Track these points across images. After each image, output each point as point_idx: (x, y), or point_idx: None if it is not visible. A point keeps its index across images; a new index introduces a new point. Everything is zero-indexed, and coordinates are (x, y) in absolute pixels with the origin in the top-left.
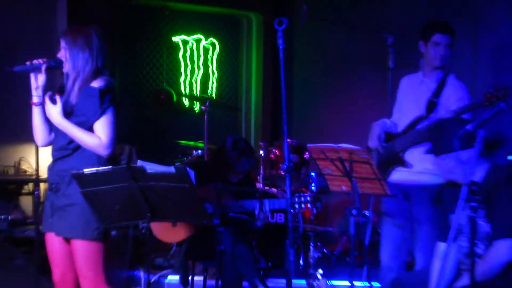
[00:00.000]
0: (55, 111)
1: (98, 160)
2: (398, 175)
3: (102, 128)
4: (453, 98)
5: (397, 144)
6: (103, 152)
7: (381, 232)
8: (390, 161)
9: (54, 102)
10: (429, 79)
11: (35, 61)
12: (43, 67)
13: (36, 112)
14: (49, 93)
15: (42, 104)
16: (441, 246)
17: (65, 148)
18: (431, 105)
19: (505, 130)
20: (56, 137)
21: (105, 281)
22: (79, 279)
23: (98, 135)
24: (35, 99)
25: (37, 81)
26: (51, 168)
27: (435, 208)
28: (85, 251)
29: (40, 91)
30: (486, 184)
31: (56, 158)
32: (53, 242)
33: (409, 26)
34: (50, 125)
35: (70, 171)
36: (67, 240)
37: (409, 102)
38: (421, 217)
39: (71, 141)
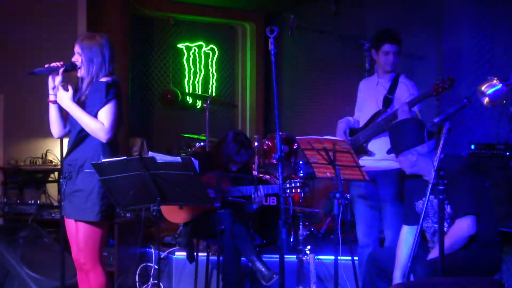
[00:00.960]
0: (65, 96)
1: (103, 150)
2: (364, 163)
3: (105, 115)
4: (406, 94)
5: (361, 136)
6: (104, 136)
7: (355, 213)
8: (356, 152)
9: (66, 89)
10: (383, 80)
11: (52, 64)
12: (61, 70)
13: (52, 109)
14: (62, 83)
15: (57, 102)
16: (405, 228)
17: (75, 140)
18: (387, 101)
19: (469, 123)
20: (70, 132)
21: (99, 259)
22: (78, 253)
23: (101, 121)
24: (51, 98)
25: (54, 81)
26: (64, 159)
27: (397, 189)
28: (86, 232)
29: (56, 91)
30: (445, 171)
31: (69, 151)
32: (69, 225)
33: None
34: (64, 120)
35: (79, 160)
36: (76, 222)
37: (368, 101)
38: (387, 197)
39: (79, 133)
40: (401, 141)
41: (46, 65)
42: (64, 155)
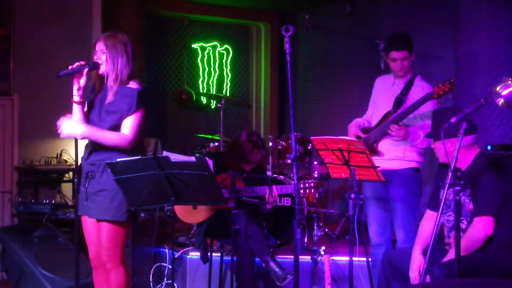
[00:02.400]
0: (76, 126)
1: (125, 150)
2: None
3: (131, 123)
4: (420, 95)
5: (371, 136)
6: (127, 146)
7: (367, 213)
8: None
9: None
10: (399, 81)
11: (76, 64)
12: (85, 70)
13: (76, 110)
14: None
15: (82, 103)
16: (428, 213)
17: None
18: (399, 102)
19: (485, 123)
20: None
21: (121, 259)
22: (101, 251)
23: (124, 131)
24: (76, 98)
25: (79, 82)
26: (85, 159)
27: (407, 189)
28: (111, 231)
29: (81, 91)
30: (472, 167)
31: (91, 151)
32: (88, 224)
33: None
34: (87, 122)
35: (104, 161)
36: (99, 221)
37: (382, 100)
38: (396, 197)
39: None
40: (441, 127)
41: (70, 67)
42: (83, 154)
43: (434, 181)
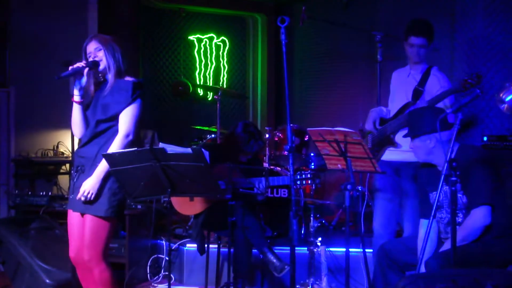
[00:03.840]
0: (91, 181)
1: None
2: (389, 154)
3: (127, 116)
4: (437, 87)
5: (388, 127)
6: (125, 140)
7: (374, 205)
8: (383, 142)
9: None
10: (415, 71)
11: (76, 65)
12: (85, 71)
13: (76, 109)
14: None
15: (82, 103)
16: (423, 222)
17: (92, 135)
18: (417, 93)
19: (481, 114)
20: (84, 134)
21: (104, 255)
22: (82, 249)
23: (121, 125)
24: (77, 98)
25: (80, 82)
26: (77, 153)
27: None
28: (94, 226)
29: (82, 91)
30: (460, 161)
31: (83, 144)
32: (73, 219)
33: (395, 24)
34: (86, 121)
35: (94, 154)
36: (82, 216)
37: (399, 92)
38: (409, 190)
39: (96, 127)
40: (420, 125)
41: (70, 67)
42: (74, 146)
43: (418, 188)
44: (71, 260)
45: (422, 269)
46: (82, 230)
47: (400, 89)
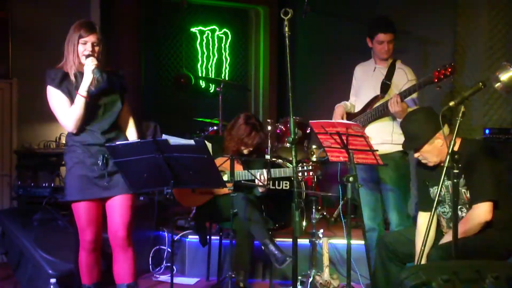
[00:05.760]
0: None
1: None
2: None
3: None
4: (404, 80)
5: (358, 121)
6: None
7: (360, 197)
8: None
9: None
10: (381, 66)
11: (95, 63)
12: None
13: (83, 103)
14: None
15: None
16: (421, 215)
17: (113, 123)
18: (385, 86)
19: (482, 107)
20: (96, 124)
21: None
22: (118, 231)
23: (127, 112)
24: (84, 94)
25: (92, 81)
26: (100, 143)
27: (397, 172)
28: (131, 204)
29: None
30: (463, 155)
31: (104, 132)
32: (94, 206)
33: (398, 17)
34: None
35: (118, 139)
36: (104, 204)
37: (365, 87)
38: (387, 181)
39: (112, 127)
40: (423, 130)
41: (93, 67)
42: (86, 140)
43: (418, 182)
44: (87, 247)
45: (423, 261)
46: (101, 216)
47: (366, 84)
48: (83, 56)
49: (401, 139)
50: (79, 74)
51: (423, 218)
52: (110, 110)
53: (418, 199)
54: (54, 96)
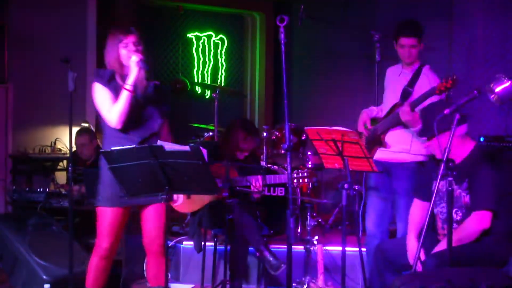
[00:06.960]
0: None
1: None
2: (381, 154)
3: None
4: (427, 87)
5: (379, 127)
6: None
7: (367, 204)
8: (374, 142)
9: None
10: (406, 70)
11: (140, 60)
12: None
13: (127, 98)
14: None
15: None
16: (416, 201)
17: (155, 131)
18: (406, 94)
19: (478, 115)
20: (136, 132)
21: None
22: (156, 239)
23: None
24: (130, 87)
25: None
26: None
27: (411, 182)
28: (166, 211)
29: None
30: (469, 160)
31: (144, 139)
32: (119, 215)
33: (393, 24)
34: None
35: None
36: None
37: (390, 91)
38: (400, 190)
39: (152, 137)
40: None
41: (140, 59)
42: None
43: (424, 172)
44: (104, 253)
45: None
46: (153, 219)
47: (391, 88)
48: (128, 58)
49: (420, 149)
50: (125, 76)
51: (417, 206)
52: (152, 119)
53: (418, 185)
54: (100, 92)
